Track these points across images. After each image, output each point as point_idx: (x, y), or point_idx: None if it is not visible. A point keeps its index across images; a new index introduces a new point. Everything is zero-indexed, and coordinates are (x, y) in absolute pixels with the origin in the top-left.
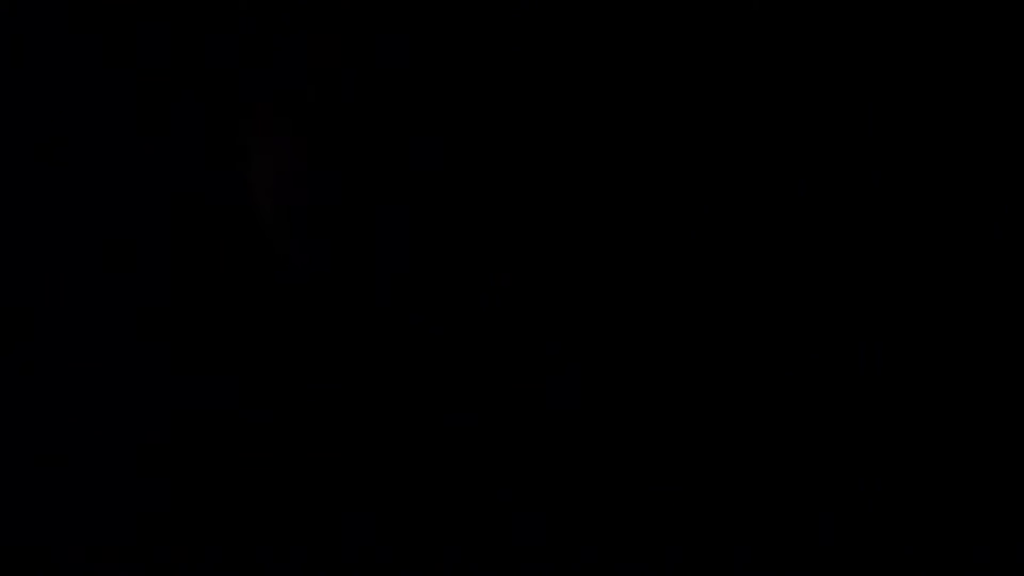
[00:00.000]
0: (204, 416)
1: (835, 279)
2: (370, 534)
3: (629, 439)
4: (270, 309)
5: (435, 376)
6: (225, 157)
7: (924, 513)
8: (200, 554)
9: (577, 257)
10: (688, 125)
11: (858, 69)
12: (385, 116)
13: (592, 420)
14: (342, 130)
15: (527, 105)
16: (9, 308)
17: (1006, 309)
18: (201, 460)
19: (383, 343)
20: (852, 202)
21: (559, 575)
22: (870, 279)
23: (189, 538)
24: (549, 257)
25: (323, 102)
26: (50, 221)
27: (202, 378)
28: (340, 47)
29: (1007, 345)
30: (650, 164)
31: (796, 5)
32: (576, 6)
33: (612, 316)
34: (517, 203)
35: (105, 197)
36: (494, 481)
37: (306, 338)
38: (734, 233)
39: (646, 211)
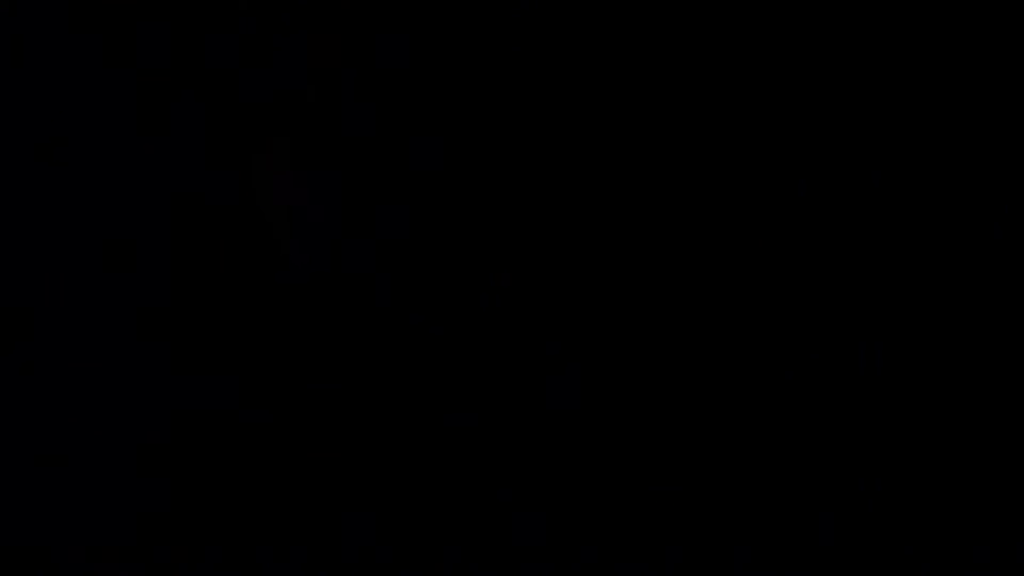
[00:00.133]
0: (204, 416)
1: (835, 279)
2: (370, 534)
3: (629, 439)
4: (270, 309)
5: (435, 376)
6: (225, 157)
7: (924, 513)
8: (200, 554)
9: (577, 257)
10: (687, 126)
11: (858, 69)
12: (385, 116)
13: (592, 420)
14: (341, 130)
15: (526, 106)
16: (11, 307)
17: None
18: (201, 460)
19: (383, 343)
20: (852, 202)
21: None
22: (870, 279)
23: (188, 538)
24: (549, 257)
25: (323, 103)
26: (51, 220)
27: (202, 378)
28: (340, 48)
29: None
30: (649, 165)
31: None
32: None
33: (612, 316)
34: (517, 203)
35: (105, 197)
36: (494, 481)
37: (306, 338)
38: (734, 233)
39: (646, 211)
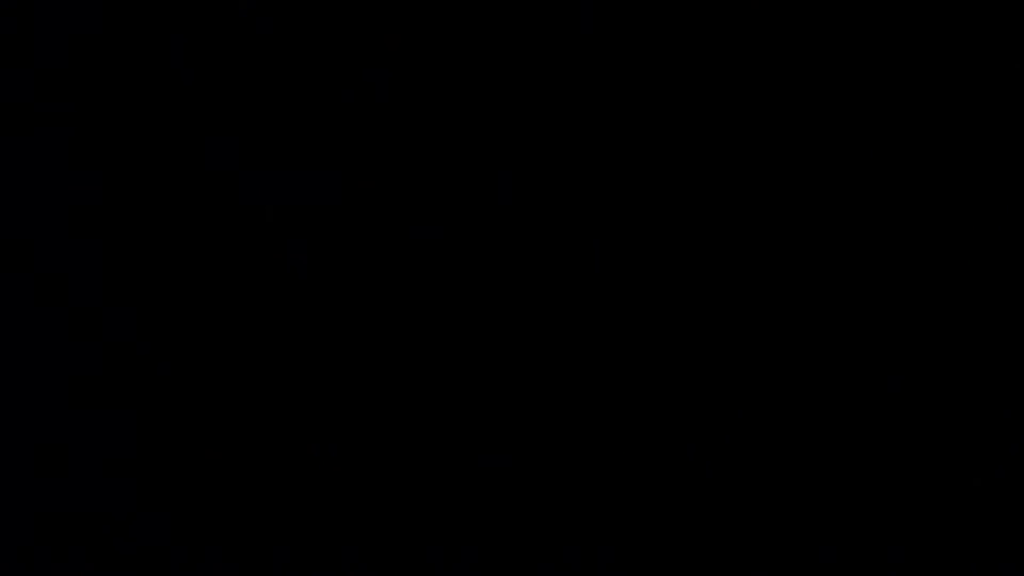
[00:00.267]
0: (205, 415)
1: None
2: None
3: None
4: (270, 308)
5: (435, 375)
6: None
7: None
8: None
9: (577, 257)
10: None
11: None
12: (384, 117)
13: (592, 420)
14: (341, 131)
15: (525, 106)
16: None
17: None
18: (201, 459)
19: (382, 342)
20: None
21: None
22: (870, 279)
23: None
24: (549, 257)
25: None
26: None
27: (202, 377)
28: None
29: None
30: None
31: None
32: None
33: (612, 316)
34: (516, 203)
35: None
36: (494, 480)
37: (306, 337)
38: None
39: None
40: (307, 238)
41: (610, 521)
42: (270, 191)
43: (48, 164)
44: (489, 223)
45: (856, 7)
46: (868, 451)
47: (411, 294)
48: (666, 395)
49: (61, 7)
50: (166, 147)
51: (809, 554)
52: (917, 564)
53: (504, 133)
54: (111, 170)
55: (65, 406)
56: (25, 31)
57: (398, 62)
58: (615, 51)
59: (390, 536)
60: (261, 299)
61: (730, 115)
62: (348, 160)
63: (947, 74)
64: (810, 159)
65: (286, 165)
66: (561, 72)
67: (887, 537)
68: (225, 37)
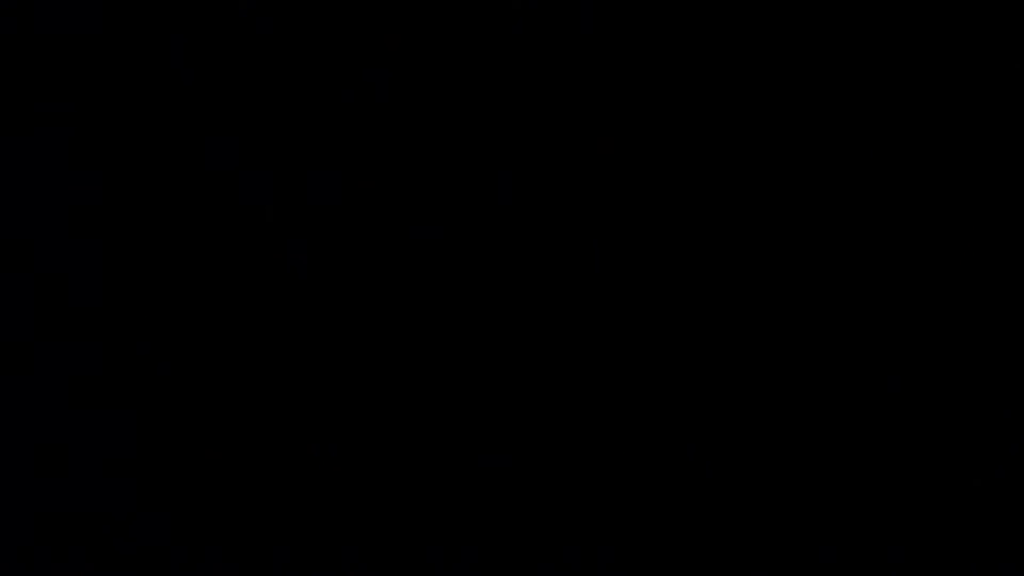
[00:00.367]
0: (205, 415)
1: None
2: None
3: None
4: (270, 309)
5: (435, 375)
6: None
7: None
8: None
9: (577, 257)
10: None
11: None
12: (384, 117)
13: (592, 420)
14: (341, 131)
15: (525, 106)
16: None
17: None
18: (201, 459)
19: (382, 342)
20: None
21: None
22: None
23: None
24: (548, 257)
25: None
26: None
27: (202, 377)
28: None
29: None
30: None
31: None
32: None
33: (612, 316)
34: (516, 203)
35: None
36: (494, 480)
37: (306, 337)
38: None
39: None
40: (307, 238)
41: (610, 521)
42: (270, 191)
43: (48, 164)
44: (489, 223)
45: (856, 7)
46: (868, 451)
47: (411, 294)
48: (666, 395)
49: (61, 7)
50: (166, 147)
51: (809, 554)
52: (917, 564)
53: (504, 133)
54: (111, 170)
55: (65, 406)
56: (25, 31)
57: (398, 62)
58: (615, 51)
59: (390, 536)
60: (261, 299)
61: (730, 115)
62: (348, 160)
63: (947, 74)
64: (810, 159)
65: (286, 165)
66: (561, 72)
67: (887, 537)
68: (225, 37)
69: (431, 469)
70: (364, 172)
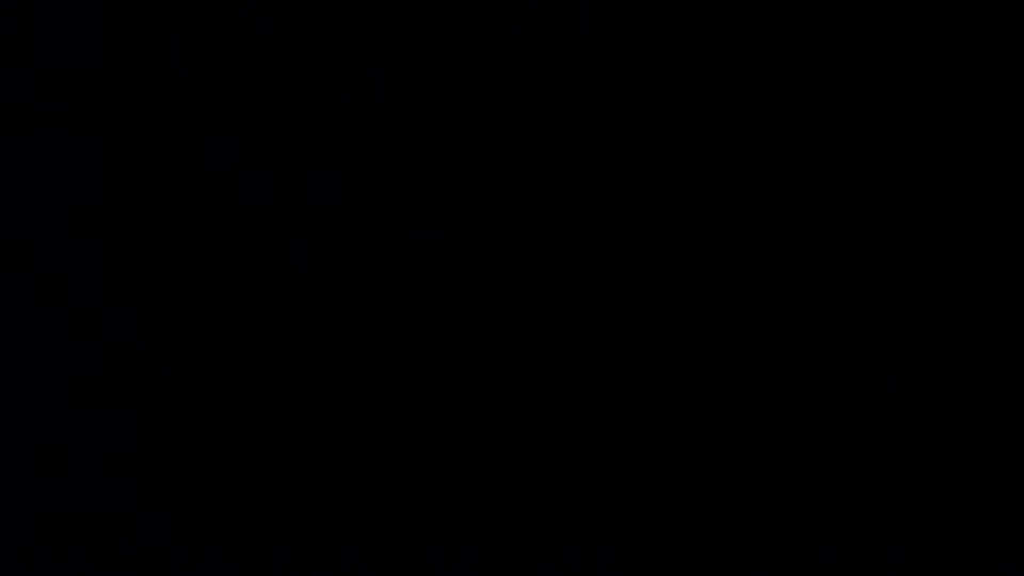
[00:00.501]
0: (205, 415)
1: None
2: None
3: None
4: (270, 309)
5: (435, 375)
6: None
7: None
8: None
9: (577, 257)
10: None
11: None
12: (384, 117)
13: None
14: (341, 131)
15: (525, 106)
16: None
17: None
18: (201, 459)
19: (382, 342)
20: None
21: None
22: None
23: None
24: (549, 257)
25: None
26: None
27: (202, 377)
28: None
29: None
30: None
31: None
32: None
33: (612, 316)
34: (515, 203)
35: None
36: (494, 480)
37: (305, 337)
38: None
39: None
40: (307, 238)
41: (610, 521)
42: (270, 191)
43: (48, 164)
44: (489, 223)
45: (856, 7)
46: (868, 451)
47: (411, 294)
48: (666, 395)
49: (61, 7)
50: (166, 147)
51: (809, 554)
52: (917, 564)
53: (504, 133)
54: (111, 170)
55: (65, 406)
56: (25, 31)
57: (398, 62)
58: (615, 51)
59: (390, 536)
60: (261, 299)
61: (730, 115)
62: (348, 160)
63: (947, 74)
64: (810, 160)
65: (286, 165)
66: (561, 72)
67: (887, 537)
68: (225, 37)
69: (431, 469)
70: (364, 172)
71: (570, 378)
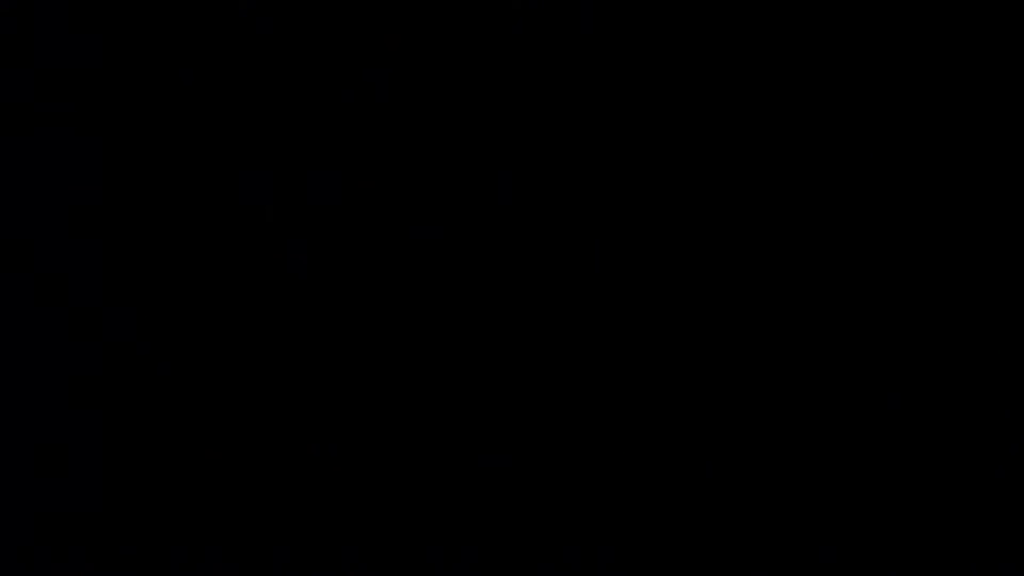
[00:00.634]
0: (205, 415)
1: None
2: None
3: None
4: (270, 309)
5: (435, 375)
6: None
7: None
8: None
9: (577, 257)
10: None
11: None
12: (384, 117)
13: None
14: (341, 131)
15: (525, 106)
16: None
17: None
18: (201, 459)
19: (382, 342)
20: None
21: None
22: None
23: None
24: (549, 257)
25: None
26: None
27: (202, 377)
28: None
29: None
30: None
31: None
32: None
33: (612, 316)
34: (516, 203)
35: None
36: (494, 480)
37: (305, 337)
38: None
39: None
40: (307, 238)
41: (610, 521)
42: (270, 191)
43: (48, 164)
44: (489, 223)
45: (856, 7)
46: (868, 451)
47: (411, 294)
48: (666, 395)
49: (61, 7)
50: (166, 147)
51: (809, 554)
52: (917, 564)
53: (504, 133)
54: (111, 170)
55: (65, 406)
56: (25, 31)
57: (398, 62)
58: (615, 51)
59: (390, 536)
60: (261, 299)
61: (730, 115)
62: (348, 160)
63: (947, 74)
64: (810, 161)
65: (286, 165)
66: (561, 72)
67: (887, 537)
68: (225, 37)
69: (431, 469)
70: (364, 172)
71: (570, 378)
